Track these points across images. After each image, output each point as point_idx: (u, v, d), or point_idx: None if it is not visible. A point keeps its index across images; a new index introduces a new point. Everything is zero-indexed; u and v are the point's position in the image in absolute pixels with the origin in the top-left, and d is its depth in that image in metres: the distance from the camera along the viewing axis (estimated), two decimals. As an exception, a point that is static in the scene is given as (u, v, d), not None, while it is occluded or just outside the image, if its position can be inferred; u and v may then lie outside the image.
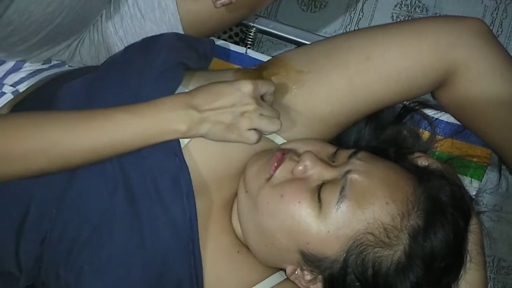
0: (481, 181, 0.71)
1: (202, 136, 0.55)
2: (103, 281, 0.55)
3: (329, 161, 0.57)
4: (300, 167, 0.55)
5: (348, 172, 0.54)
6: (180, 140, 0.58)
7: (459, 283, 0.55)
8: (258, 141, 0.56)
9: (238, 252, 0.60)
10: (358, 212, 0.52)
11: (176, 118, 0.53)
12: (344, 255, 0.53)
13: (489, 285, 0.73)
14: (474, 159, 0.71)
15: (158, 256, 0.55)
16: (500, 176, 0.66)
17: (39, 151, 0.53)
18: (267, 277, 0.59)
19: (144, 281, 0.55)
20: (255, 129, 0.55)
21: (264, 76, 0.63)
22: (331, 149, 0.59)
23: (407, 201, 0.52)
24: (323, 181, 0.54)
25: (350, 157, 0.56)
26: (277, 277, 0.60)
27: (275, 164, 0.56)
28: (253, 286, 0.59)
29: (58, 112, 0.57)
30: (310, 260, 0.55)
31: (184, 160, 0.57)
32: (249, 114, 0.54)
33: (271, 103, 0.58)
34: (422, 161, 0.60)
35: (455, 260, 0.54)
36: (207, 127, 0.54)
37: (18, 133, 0.53)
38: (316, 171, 0.55)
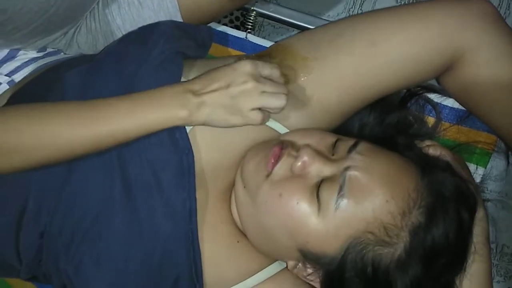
0: (486, 168, 0.70)
1: (204, 122, 0.54)
2: (103, 273, 0.55)
3: (329, 154, 0.55)
4: (299, 164, 0.53)
5: (347, 169, 0.52)
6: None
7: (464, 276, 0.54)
8: (264, 121, 0.54)
9: (238, 241, 0.59)
10: (358, 211, 0.51)
11: (175, 104, 0.53)
12: (343, 253, 0.52)
13: (493, 271, 0.72)
14: (479, 146, 0.70)
15: (157, 247, 0.55)
16: (508, 162, 0.65)
17: (39, 143, 0.53)
18: (266, 266, 0.59)
19: (144, 273, 0.55)
20: (259, 109, 0.53)
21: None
22: (330, 139, 0.57)
23: (408, 198, 0.51)
24: (322, 177, 0.53)
25: (350, 150, 0.54)
26: (276, 266, 0.59)
27: (273, 160, 0.54)
28: (252, 275, 0.58)
29: (57, 103, 0.56)
30: (309, 258, 0.54)
31: (192, 150, 0.56)
32: (249, 93, 0.53)
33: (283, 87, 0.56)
34: (432, 150, 0.58)
35: (457, 256, 0.53)
36: (207, 111, 0.53)
37: (18, 125, 0.53)
38: (315, 168, 0.53)
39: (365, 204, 0.51)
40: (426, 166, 0.55)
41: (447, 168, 0.55)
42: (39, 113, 0.54)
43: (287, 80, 0.60)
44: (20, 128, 0.53)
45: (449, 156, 0.58)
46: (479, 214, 0.55)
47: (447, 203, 0.52)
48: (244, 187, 0.57)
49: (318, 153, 0.54)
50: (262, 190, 0.54)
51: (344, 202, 0.51)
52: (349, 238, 0.51)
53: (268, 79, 0.55)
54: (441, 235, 0.51)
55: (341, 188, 0.51)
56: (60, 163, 0.55)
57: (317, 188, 0.52)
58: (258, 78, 0.53)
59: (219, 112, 0.53)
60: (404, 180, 0.52)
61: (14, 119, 0.53)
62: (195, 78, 0.55)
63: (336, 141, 0.56)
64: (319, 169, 0.53)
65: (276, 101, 0.53)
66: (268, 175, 0.54)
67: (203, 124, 0.55)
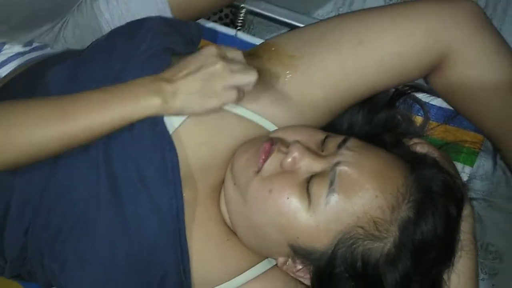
0: (473, 167, 0.71)
1: (181, 109, 0.54)
2: (88, 270, 0.55)
3: (318, 150, 0.56)
4: (289, 160, 0.53)
5: (336, 164, 0.53)
6: (169, 126, 0.56)
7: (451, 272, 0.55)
8: (240, 98, 0.55)
9: (227, 239, 0.59)
10: (348, 206, 0.51)
11: (148, 92, 0.53)
12: (333, 248, 0.52)
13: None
14: (466, 145, 0.71)
15: (144, 245, 0.55)
16: (495, 162, 0.66)
17: (10, 144, 0.52)
18: (256, 264, 0.59)
19: (130, 269, 0.55)
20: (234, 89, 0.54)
21: (256, 64, 0.61)
22: (320, 136, 0.57)
23: (397, 193, 0.51)
24: (312, 173, 0.53)
25: (339, 146, 0.54)
26: (266, 264, 0.59)
27: (263, 157, 0.54)
28: (242, 273, 0.58)
29: (31, 100, 0.55)
30: (300, 253, 0.54)
31: (174, 147, 0.56)
32: (219, 73, 0.54)
33: (263, 85, 0.57)
34: (419, 148, 0.59)
35: (445, 251, 0.54)
36: (182, 98, 0.54)
37: None
38: (305, 163, 0.53)
39: (355, 199, 0.51)
40: (414, 162, 0.55)
41: (434, 165, 0.56)
42: (8, 113, 0.53)
43: (274, 78, 0.60)
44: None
45: (436, 153, 0.58)
46: (466, 211, 0.56)
47: (436, 198, 0.52)
48: (234, 184, 0.57)
49: (308, 149, 0.54)
50: (252, 186, 0.54)
51: (334, 197, 0.51)
52: (339, 233, 0.52)
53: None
54: (430, 230, 0.51)
55: (331, 183, 0.51)
56: (40, 160, 0.54)
57: (307, 184, 0.52)
58: (225, 59, 0.54)
59: (194, 97, 0.54)
60: (393, 176, 0.53)
61: None
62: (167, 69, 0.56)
63: (325, 138, 0.56)
64: (309, 164, 0.53)
65: (247, 77, 0.55)
66: (258, 171, 0.54)
67: (180, 113, 0.55)
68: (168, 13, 0.74)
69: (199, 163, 0.58)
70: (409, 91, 0.66)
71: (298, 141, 0.55)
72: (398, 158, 0.56)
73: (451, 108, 0.68)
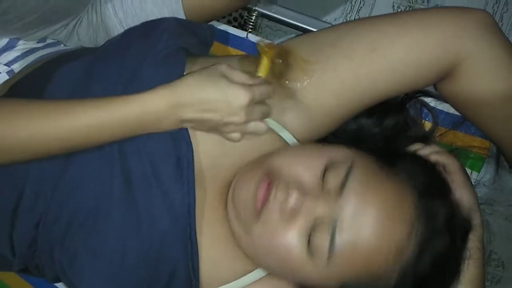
0: (479, 173, 0.72)
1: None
2: (98, 265, 0.55)
3: (318, 188, 0.53)
4: (288, 209, 0.52)
5: (336, 223, 0.51)
6: None
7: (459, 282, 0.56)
8: (240, 139, 0.56)
9: (234, 240, 0.59)
10: (350, 259, 0.52)
11: (159, 118, 0.53)
12: (339, 286, 0.54)
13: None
14: (474, 150, 0.71)
15: (155, 241, 0.55)
16: (498, 169, 0.66)
17: (18, 141, 0.52)
18: None
19: (140, 265, 0.55)
20: None
21: (275, 66, 0.60)
22: (319, 165, 0.54)
23: (401, 241, 0.51)
24: (313, 219, 0.52)
25: (342, 186, 0.52)
26: None
27: (260, 204, 0.54)
28: (248, 273, 0.59)
29: (41, 102, 0.55)
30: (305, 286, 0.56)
31: (191, 144, 0.57)
32: (235, 124, 0.54)
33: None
34: (435, 157, 0.59)
35: (448, 279, 0.55)
36: (190, 125, 0.56)
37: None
38: (305, 210, 0.52)
39: (358, 250, 0.51)
40: (422, 193, 0.54)
41: (442, 192, 0.56)
42: (9, 108, 0.53)
43: (292, 82, 0.60)
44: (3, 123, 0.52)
45: (449, 161, 0.59)
46: (476, 220, 0.57)
47: (438, 237, 0.53)
48: (236, 217, 0.57)
49: (307, 193, 0.53)
50: (254, 229, 0.54)
51: (336, 251, 0.51)
52: (343, 278, 0.53)
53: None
54: (428, 267, 0.52)
55: (332, 237, 0.51)
56: (52, 156, 0.55)
57: (309, 236, 0.52)
58: (250, 108, 0.54)
59: (201, 128, 0.56)
60: (396, 224, 0.52)
61: None
62: (180, 83, 0.53)
63: (325, 169, 0.54)
64: (310, 210, 0.52)
65: (257, 128, 0.56)
66: (258, 214, 0.54)
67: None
68: (181, 14, 0.75)
69: (209, 162, 0.59)
70: (418, 95, 0.67)
71: (296, 182, 0.53)
72: (403, 186, 0.54)
73: (458, 114, 0.68)
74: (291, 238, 0.52)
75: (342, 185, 0.52)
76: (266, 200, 0.53)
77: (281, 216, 0.53)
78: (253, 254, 0.57)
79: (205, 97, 0.53)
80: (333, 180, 0.53)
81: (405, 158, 0.58)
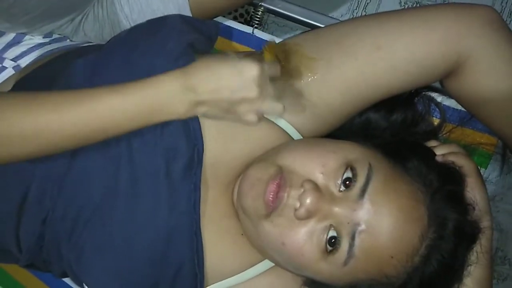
0: (486, 169, 0.71)
1: (200, 116, 0.55)
2: (105, 260, 0.55)
3: (334, 188, 0.53)
4: (302, 212, 0.51)
5: (356, 227, 0.51)
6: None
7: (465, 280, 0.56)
8: (258, 122, 0.54)
9: (242, 234, 0.60)
10: (363, 266, 0.52)
11: (173, 101, 0.51)
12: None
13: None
14: (480, 147, 0.70)
15: (160, 237, 0.55)
16: (503, 167, 0.66)
17: (25, 135, 0.50)
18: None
19: (146, 262, 0.55)
20: None
21: (282, 63, 0.59)
22: (334, 163, 0.53)
23: (412, 250, 0.52)
24: (329, 222, 0.52)
25: (361, 194, 0.52)
26: None
27: (271, 204, 0.52)
28: (254, 265, 0.59)
29: (44, 93, 0.53)
30: (315, 283, 0.57)
31: (202, 140, 0.56)
32: (250, 100, 0.52)
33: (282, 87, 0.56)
34: (450, 158, 0.58)
35: (452, 281, 0.56)
36: (204, 109, 0.53)
37: (3, 114, 0.50)
38: (320, 212, 0.52)
39: (375, 253, 0.51)
40: (433, 194, 0.54)
41: (455, 194, 0.56)
42: (25, 102, 0.51)
43: (294, 79, 0.60)
44: (5, 118, 0.50)
45: (465, 161, 0.58)
46: (487, 223, 0.56)
47: (447, 241, 0.53)
48: (244, 212, 0.56)
49: (323, 195, 0.52)
50: (263, 228, 0.54)
51: (353, 260, 0.51)
52: (355, 278, 0.53)
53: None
54: (435, 273, 0.53)
55: (352, 240, 0.51)
56: (49, 155, 0.53)
57: (325, 238, 0.52)
58: (263, 83, 0.52)
59: (215, 110, 0.53)
60: (412, 227, 0.52)
61: (0, 108, 0.50)
62: (191, 68, 0.52)
63: (343, 169, 0.53)
64: (326, 212, 0.52)
65: (274, 108, 0.54)
66: (269, 214, 0.53)
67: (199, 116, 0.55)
68: (187, 10, 0.74)
69: (213, 159, 0.59)
70: (426, 90, 0.67)
71: (309, 181, 0.52)
72: (416, 187, 0.54)
73: (465, 110, 0.68)
74: (303, 239, 0.52)
75: (364, 189, 0.52)
76: (277, 199, 0.53)
77: (294, 217, 0.52)
78: (260, 247, 0.57)
79: (217, 73, 0.51)
80: (353, 183, 0.52)
81: (416, 155, 0.58)
